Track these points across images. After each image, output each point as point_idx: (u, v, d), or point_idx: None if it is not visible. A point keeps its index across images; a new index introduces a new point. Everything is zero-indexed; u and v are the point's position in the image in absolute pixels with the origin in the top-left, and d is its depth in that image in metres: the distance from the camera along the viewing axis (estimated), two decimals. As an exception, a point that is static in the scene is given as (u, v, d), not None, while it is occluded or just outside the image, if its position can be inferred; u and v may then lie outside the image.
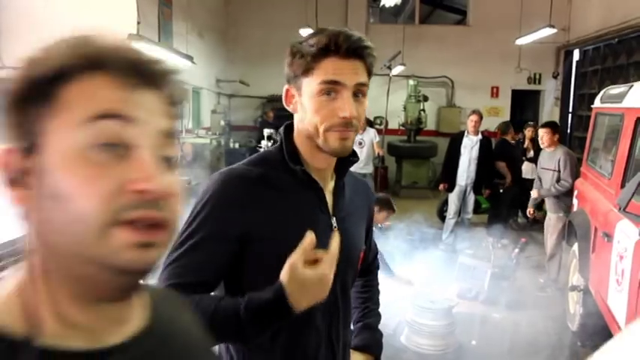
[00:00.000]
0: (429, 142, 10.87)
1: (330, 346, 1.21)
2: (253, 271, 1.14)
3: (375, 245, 1.58)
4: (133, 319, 0.60)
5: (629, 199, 2.75)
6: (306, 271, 0.97)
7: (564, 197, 5.09)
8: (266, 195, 1.14)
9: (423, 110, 10.79)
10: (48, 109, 0.53)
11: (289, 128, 1.22)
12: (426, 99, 10.88)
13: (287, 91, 1.19)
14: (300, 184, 1.17)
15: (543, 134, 5.31)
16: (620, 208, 2.81)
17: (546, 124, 5.49)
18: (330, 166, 1.22)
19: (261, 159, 1.21)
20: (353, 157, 1.21)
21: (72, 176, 0.51)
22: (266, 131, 5.73)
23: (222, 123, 10.51)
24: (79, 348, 0.53)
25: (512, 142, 7.50)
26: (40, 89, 0.54)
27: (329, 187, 1.24)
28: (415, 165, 10.67)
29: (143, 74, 0.58)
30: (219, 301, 1.07)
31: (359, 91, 1.13)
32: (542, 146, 5.44)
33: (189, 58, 6.94)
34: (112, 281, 0.54)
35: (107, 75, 0.56)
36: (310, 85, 1.12)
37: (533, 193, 5.47)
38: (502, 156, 6.96)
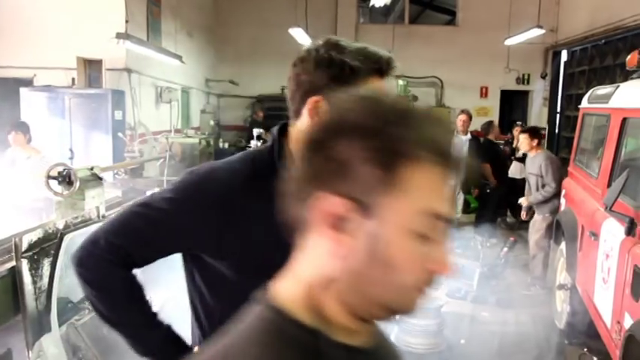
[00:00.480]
0: (419, 142, 10.89)
1: None
2: (225, 271, 1.12)
3: None
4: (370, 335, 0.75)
5: (616, 199, 2.78)
6: None
7: (551, 198, 5.14)
8: (245, 199, 1.09)
9: (413, 110, 10.80)
10: (389, 179, 0.61)
11: (283, 130, 1.17)
12: (415, 99, 10.90)
13: (315, 102, 1.09)
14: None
15: (522, 139, 5.40)
16: (606, 207, 2.83)
17: (525, 130, 5.57)
18: None
19: (250, 158, 1.16)
20: None
21: (402, 252, 0.62)
22: (255, 131, 5.71)
23: (212, 123, 10.49)
24: (345, 342, 0.68)
25: (499, 141, 7.53)
26: (389, 159, 0.61)
27: None
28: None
29: (457, 172, 0.67)
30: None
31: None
32: (523, 151, 5.47)
33: (179, 57, 6.92)
34: (385, 317, 0.69)
35: (446, 170, 0.65)
36: None
37: (523, 201, 5.54)
38: (486, 156, 6.99)
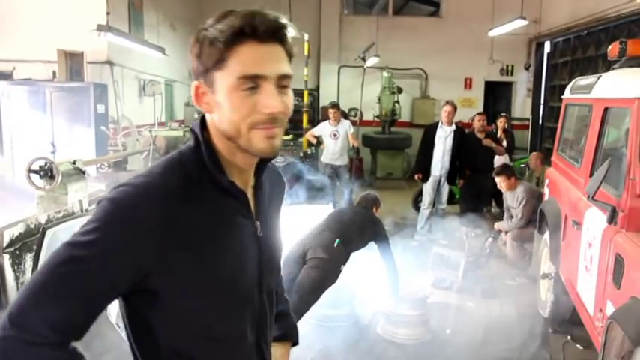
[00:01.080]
0: (404, 133, 10.94)
1: (260, 352, 1.15)
2: (176, 298, 0.99)
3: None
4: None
5: (598, 188, 2.80)
6: None
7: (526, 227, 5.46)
8: (185, 212, 0.96)
9: (398, 102, 10.84)
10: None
11: (204, 126, 1.04)
12: (400, 90, 10.93)
13: (197, 88, 1.00)
14: (222, 192, 1.02)
15: (500, 182, 5.65)
16: (588, 197, 2.86)
17: (500, 172, 5.71)
18: (251, 166, 1.08)
19: (177, 166, 1.00)
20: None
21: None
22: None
23: (196, 116, 10.39)
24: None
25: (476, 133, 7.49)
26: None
27: (250, 189, 1.10)
28: (390, 156, 10.73)
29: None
30: None
31: (283, 83, 0.99)
32: (505, 191, 5.73)
33: (161, 49, 6.83)
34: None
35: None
36: (225, 80, 0.95)
37: (496, 226, 5.80)
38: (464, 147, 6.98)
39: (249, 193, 1.09)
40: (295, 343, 1.41)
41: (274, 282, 1.21)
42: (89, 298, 0.92)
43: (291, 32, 1.00)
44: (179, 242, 0.95)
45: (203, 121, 1.04)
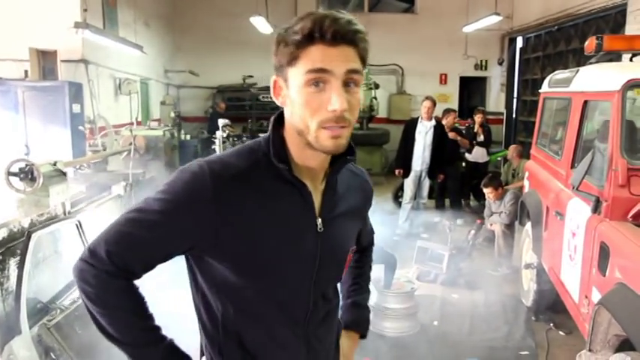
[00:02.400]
0: (381, 129, 11.01)
1: (309, 346, 1.19)
2: (225, 272, 1.09)
3: (372, 229, 1.53)
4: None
5: (582, 179, 2.88)
6: None
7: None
8: (242, 195, 1.05)
9: (375, 98, 10.89)
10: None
11: (279, 119, 1.12)
12: (377, 86, 10.98)
13: (275, 82, 1.09)
14: (283, 182, 1.09)
15: (488, 193, 5.84)
16: (573, 187, 2.93)
17: (487, 184, 5.86)
18: (322, 164, 1.13)
19: (247, 151, 1.11)
20: (350, 154, 1.13)
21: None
22: (221, 121, 5.62)
23: (172, 114, 10.27)
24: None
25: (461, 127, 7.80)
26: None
27: (319, 186, 1.15)
28: (368, 152, 10.77)
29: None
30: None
31: (351, 80, 1.03)
32: (490, 201, 5.89)
33: (139, 47, 6.72)
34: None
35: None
36: (296, 75, 1.02)
37: (488, 225, 5.89)
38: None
39: (318, 190, 1.15)
40: (364, 336, 1.47)
41: (332, 281, 1.25)
42: (142, 246, 1.07)
43: (364, 35, 1.04)
44: (231, 219, 1.05)
45: (280, 115, 1.12)
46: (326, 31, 1.00)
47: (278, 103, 1.10)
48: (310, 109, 1.02)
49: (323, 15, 1.01)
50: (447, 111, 7.88)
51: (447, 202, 7.93)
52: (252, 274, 1.09)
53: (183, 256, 1.13)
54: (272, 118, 1.13)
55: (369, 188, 1.33)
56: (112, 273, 1.07)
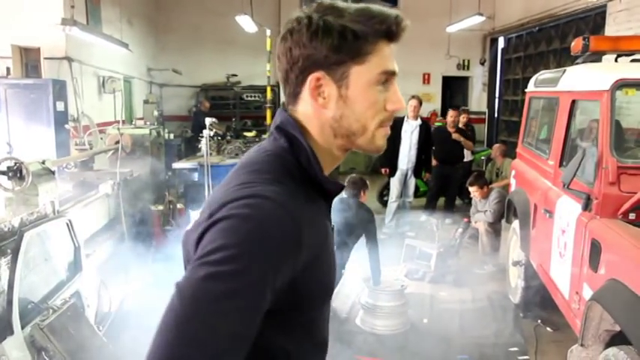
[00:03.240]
0: (366, 128, 11.03)
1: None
2: (296, 312, 0.92)
3: None
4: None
5: (572, 177, 2.93)
6: None
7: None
8: (306, 220, 0.87)
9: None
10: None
11: (295, 126, 0.97)
12: (361, 86, 11.01)
13: (317, 79, 0.93)
14: (316, 193, 0.96)
15: (474, 192, 5.88)
16: (564, 185, 2.99)
17: (473, 182, 5.90)
18: (337, 164, 1.07)
19: (282, 171, 0.92)
20: None
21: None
22: (207, 119, 5.58)
23: (156, 113, 10.17)
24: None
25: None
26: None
27: None
28: (352, 151, 10.77)
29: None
30: None
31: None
32: (479, 199, 5.92)
33: (125, 45, 6.64)
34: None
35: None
36: (365, 74, 0.93)
37: (473, 223, 5.94)
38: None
39: None
40: None
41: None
42: (247, 334, 0.78)
43: None
44: (309, 252, 0.87)
45: (295, 122, 0.97)
46: (400, 32, 0.95)
47: (316, 104, 0.95)
48: (375, 109, 0.95)
49: (396, 13, 0.95)
50: (462, 111, 7.74)
51: (440, 202, 7.70)
52: (318, 300, 0.97)
53: None
54: (289, 126, 0.97)
55: None
56: None
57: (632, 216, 2.77)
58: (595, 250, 2.74)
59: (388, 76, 0.96)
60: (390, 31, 0.94)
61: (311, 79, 0.93)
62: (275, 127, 0.99)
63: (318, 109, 0.96)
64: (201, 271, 0.77)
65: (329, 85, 0.94)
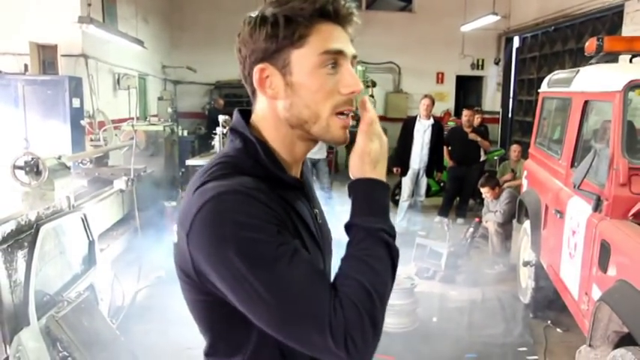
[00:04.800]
0: (378, 127, 11.04)
1: None
2: None
3: None
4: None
5: (583, 178, 2.93)
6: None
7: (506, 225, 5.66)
8: (274, 201, 0.90)
9: (372, 96, 10.93)
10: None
11: (247, 121, 0.99)
12: (374, 84, 11.04)
13: (261, 71, 0.94)
14: (283, 186, 0.97)
15: (485, 193, 5.88)
16: (574, 186, 2.99)
17: (484, 184, 5.89)
18: (305, 154, 1.04)
19: (238, 170, 0.92)
20: None
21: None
22: (221, 117, 5.63)
23: (170, 110, 10.26)
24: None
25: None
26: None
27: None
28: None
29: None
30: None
31: (354, 64, 0.97)
32: (490, 200, 5.91)
33: (140, 42, 6.72)
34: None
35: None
36: (306, 58, 0.91)
37: (484, 222, 5.92)
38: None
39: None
40: None
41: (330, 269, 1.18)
42: (317, 272, 0.88)
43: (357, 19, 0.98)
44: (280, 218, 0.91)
45: (244, 117, 0.99)
46: (339, 10, 0.93)
47: (266, 95, 0.95)
48: (324, 92, 0.93)
49: None
50: (469, 109, 7.62)
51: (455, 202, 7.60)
52: None
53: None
54: (239, 126, 0.98)
55: (309, 167, 1.23)
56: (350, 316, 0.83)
57: (642, 217, 2.77)
58: (605, 251, 2.74)
59: (336, 57, 0.93)
60: (325, 10, 0.91)
61: (255, 71, 0.94)
62: (229, 129, 1.01)
63: (271, 102, 0.96)
64: (228, 251, 0.83)
65: (274, 74, 0.94)
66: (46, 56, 6.59)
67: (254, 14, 0.94)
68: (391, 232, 0.94)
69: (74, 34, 6.57)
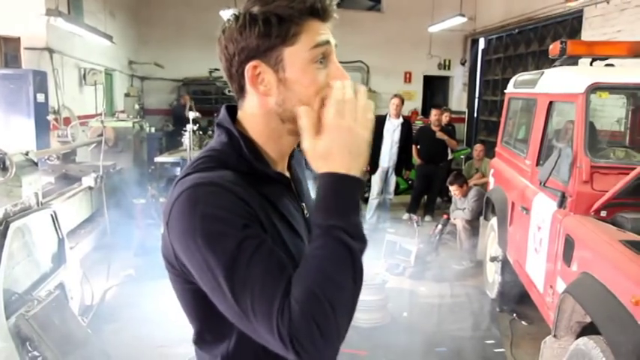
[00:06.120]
0: (347, 125, 11.10)
1: None
2: None
3: None
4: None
5: (549, 176, 3.05)
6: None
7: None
8: (251, 202, 0.91)
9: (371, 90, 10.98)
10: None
11: (234, 118, 1.02)
12: (343, 83, 11.07)
13: (253, 68, 0.96)
14: (267, 180, 0.99)
15: (454, 190, 6.02)
16: (541, 183, 3.10)
17: (453, 182, 6.05)
18: (292, 148, 1.07)
19: (222, 164, 0.96)
20: None
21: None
22: (191, 114, 5.59)
23: (137, 106, 10.10)
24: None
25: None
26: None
27: (286, 172, 1.09)
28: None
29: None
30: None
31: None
32: (459, 198, 6.06)
33: (109, 37, 6.58)
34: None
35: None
36: (298, 54, 0.95)
37: (452, 220, 6.07)
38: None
39: (288, 176, 1.09)
40: None
41: None
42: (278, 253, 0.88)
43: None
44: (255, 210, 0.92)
45: (230, 113, 1.02)
46: (327, 9, 0.97)
47: (258, 92, 0.97)
48: (316, 86, 0.95)
49: None
50: (438, 108, 7.76)
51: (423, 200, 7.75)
52: None
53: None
54: (224, 121, 1.02)
55: (303, 160, 1.21)
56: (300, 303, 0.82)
57: (603, 213, 2.90)
58: (569, 245, 2.86)
59: (324, 52, 0.96)
60: (315, 9, 0.95)
61: (248, 68, 0.96)
62: (216, 124, 1.04)
63: (262, 98, 0.98)
64: (196, 242, 0.86)
65: (266, 71, 0.96)
66: (8, 49, 6.39)
67: (240, 12, 0.96)
68: (351, 231, 0.88)
69: (38, 27, 6.40)
